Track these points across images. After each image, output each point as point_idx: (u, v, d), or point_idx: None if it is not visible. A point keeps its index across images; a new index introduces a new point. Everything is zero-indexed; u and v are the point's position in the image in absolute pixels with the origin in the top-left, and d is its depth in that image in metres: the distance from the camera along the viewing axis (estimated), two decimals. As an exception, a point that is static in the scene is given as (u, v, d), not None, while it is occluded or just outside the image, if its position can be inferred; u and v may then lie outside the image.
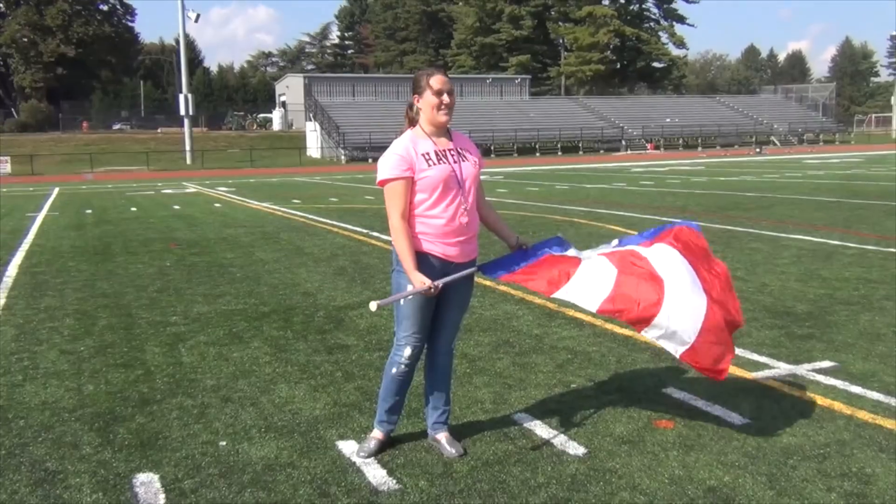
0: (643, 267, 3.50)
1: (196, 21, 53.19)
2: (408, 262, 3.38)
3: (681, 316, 3.37)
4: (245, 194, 22.42)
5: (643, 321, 3.38)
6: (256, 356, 5.29)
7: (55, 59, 73.38)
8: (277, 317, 6.44)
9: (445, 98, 3.45)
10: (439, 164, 3.45)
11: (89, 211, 17.96)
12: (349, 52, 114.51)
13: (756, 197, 16.72)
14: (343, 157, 53.38)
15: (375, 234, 11.81)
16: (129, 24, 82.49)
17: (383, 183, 3.44)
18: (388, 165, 3.42)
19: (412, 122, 3.57)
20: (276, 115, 70.17)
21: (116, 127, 69.70)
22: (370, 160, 52.94)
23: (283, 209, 16.84)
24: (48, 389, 4.66)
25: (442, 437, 3.67)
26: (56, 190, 28.11)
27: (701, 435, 3.73)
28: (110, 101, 78.99)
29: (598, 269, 3.51)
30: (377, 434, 3.69)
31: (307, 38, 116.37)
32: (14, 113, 71.88)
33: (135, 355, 5.37)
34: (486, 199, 3.77)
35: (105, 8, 79.43)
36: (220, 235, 12.32)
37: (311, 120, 60.50)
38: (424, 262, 3.43)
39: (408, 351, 3.56)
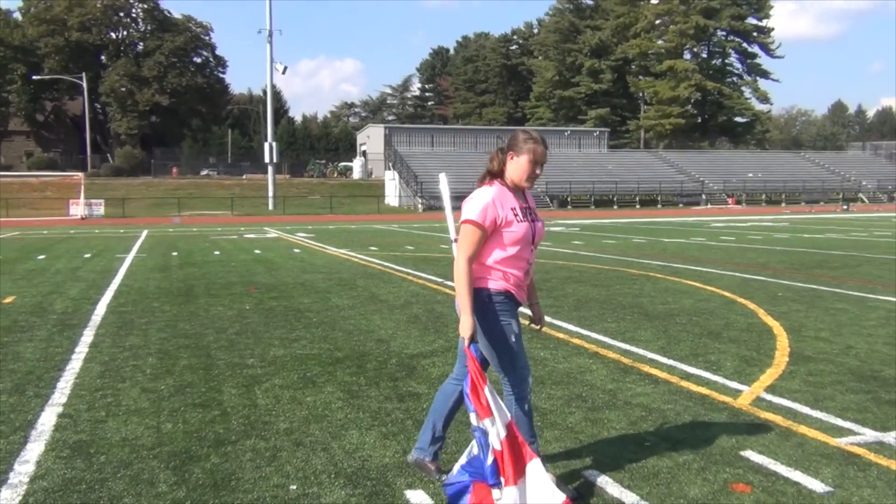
0: None
1: (283, 73, 55.15)
2: (468, 302, 3.57)
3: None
4: (324, 240, 22.87)
5: None
6: (329, 401, 5.35)
7: (150, 108, 77.08)
8: (351, 363, 6.50)
9: (538, 170, 3.63)
10: (525, 220, 3.59)
11: (175, 253, 18.58)
12: (429, 103, 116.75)
13: (842, 256, 16.19)
14: (420, 206, 54.02)
15: (450, 283, 11.86)
16: (221, 75, 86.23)
17: (468, 223, 3.52)
18: (478, 208, 3.51)
19: (496, 174, 3.67)
20: (357, 164, 71.73)
21: (204, 173, 72.36)
22: (447, 210, 53.39)
23: (359, 256, 17.09)
24: (129, 426, 4.80)
25: None
26: (145, 232, 29.22)
27: (780, 502, 3.59)
28: (199, 148, 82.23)
29: None
30: None
31: (389, 90, 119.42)
32: (109, 158, 75.44)
33: (212, 396, 5.50)
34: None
35: (199, 60, 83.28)
36: (297, 280, 12.57)
37: (390, 169, 61.70)
38: (512, 298, 3.66)
39: (531, 379, 3.75)
